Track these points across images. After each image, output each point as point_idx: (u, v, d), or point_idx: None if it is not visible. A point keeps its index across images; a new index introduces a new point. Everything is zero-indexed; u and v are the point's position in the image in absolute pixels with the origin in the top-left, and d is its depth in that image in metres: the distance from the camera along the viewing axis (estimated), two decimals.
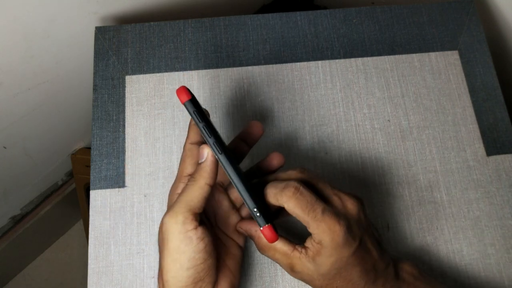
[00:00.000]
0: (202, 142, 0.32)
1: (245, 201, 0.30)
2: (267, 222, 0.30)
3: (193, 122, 0.33)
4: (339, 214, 0.30)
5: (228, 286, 0.32)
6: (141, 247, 0.39)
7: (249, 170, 0.35)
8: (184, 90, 0.30)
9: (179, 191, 0.32)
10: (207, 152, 0.30)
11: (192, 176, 0.30)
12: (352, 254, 0.30)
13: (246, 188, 0.30)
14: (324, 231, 0.29)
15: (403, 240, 0.40)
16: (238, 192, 0.30)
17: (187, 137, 0.33)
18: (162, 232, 0.30)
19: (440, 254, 0.39)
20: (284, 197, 0.30)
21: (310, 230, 0.30)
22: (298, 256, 0.31)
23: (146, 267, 0.39)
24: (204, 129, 0.30)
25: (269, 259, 0.39)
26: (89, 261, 0.39)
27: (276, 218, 0.34)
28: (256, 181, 0.34)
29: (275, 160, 0.34)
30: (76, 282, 0.97)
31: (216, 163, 0.30)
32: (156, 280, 0.38)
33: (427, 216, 0.41)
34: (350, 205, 0.31)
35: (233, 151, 0.34)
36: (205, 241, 0.29)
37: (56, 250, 0.99)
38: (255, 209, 0.30)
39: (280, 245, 0.32)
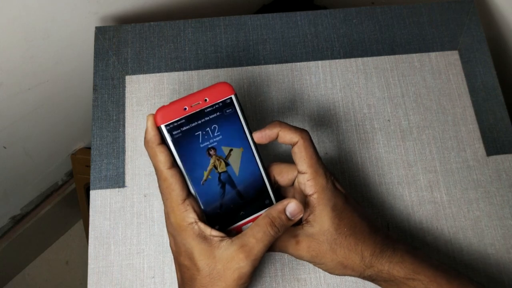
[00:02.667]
0: (174, 164, 0.31)
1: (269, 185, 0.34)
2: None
3: (156, 143, 0.31)
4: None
5: None
6: (141, 247, 0.39)
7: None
8: (229, 86, 0.32)
9: (191, 220, 0.31)
10: (299, 214, 0.32)
11: (274, 226, 0.31)
12: (345, 201, 0.33)
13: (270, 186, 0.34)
14: (320, 175, 0.32)
15: (403, 240, 0.40)
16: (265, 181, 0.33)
17: (158, 161, 0.31)
18: (230, 268, 0.30)
19: (440, 254, 0.39)
20: (303, 134, 0.33)
21: (308, 176, 0.32)
22: (300, 232, 0.33)
23: (146, 267, 0.39)
24: (248, 125, 0.33)
25: (269, 260, 0.39)
26: (89, 261, 0.39)
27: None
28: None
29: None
30: (76, 282, 0.97)
31: None
32: (156, 280, 0.38)
33: (427, 216, 0.41)
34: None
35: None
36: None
37: (56, 250, 0.99)
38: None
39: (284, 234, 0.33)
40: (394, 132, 0.43)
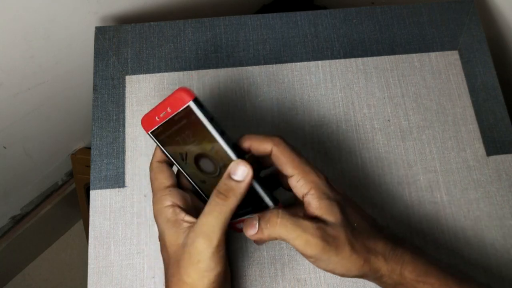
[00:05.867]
0: (166, 160, 0.34)
1: (262, 190, 0.31)
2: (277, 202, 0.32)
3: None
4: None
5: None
6: (141, 247, 0.39)
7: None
8: (187, 90, 0.30)
9: (168, 203, 0.31)
10: (246, 173, 0.29)
11: (220, 193, 0.30)
12: (345, 200, 0.32)
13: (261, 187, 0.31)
14: (309, 172, 0.30)
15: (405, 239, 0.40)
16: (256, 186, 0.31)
17: (153, 156, 0.34)
18: (187, 251, 0.30)
19: (440, 254, 0.39)
20: (275, 141, 0.31)
21: (296, 177, 0.30)
22: (323, 232, 0.30)
23: (146, 267, 0.39)
24: (216, 126, 0.30)
25: (269, 260, 0.39)
26: (89, 261, 0.39)
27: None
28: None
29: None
30: (76, 282, 0.97)
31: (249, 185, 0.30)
32: (156, 280, 0.38)
33: (427, 216, 0.41)
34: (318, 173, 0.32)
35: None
36: (226, 256, 0.31)
37: (56, 250, 0.99)
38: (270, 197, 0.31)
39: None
40: (394, 132, 0.43)
